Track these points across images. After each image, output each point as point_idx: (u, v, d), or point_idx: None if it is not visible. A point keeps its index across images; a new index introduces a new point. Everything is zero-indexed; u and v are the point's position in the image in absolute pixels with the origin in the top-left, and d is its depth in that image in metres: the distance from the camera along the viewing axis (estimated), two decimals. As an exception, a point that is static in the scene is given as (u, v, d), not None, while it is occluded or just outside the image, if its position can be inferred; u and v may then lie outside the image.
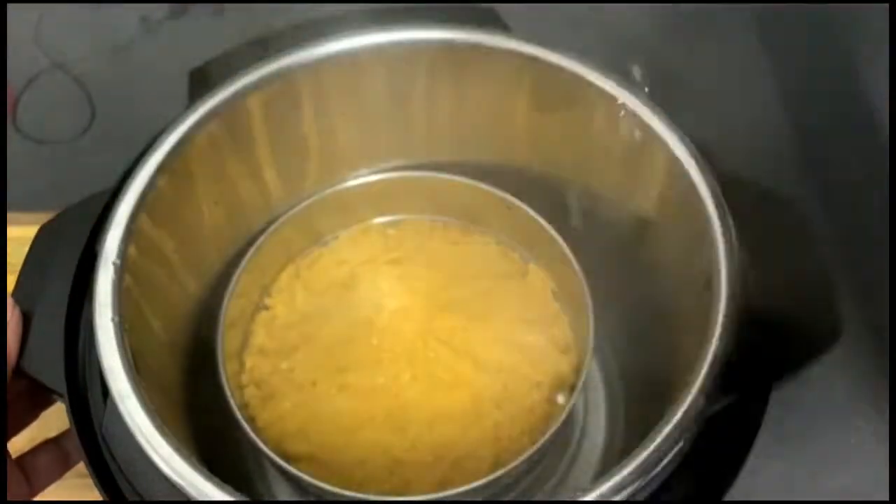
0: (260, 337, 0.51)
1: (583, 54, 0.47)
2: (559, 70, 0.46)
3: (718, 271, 0.39)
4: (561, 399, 0.47)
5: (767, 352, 0.38)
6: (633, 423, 0.54)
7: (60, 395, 0.39)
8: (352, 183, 0.52)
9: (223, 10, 0.88)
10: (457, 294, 0.52)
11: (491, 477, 0.39)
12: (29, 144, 0.79)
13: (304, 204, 0.51)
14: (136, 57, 0.86)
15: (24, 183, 0.76)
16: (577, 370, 0.48)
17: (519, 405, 0.47)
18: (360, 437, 0.46)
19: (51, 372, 0.39)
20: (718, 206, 0.41)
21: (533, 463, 0.45)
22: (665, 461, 0.34)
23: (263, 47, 0.48)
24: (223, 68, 0.47)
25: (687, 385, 0.36)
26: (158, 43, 0.87)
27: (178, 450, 0.35)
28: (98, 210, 0.43)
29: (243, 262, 0.48)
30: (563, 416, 0.42)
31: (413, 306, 0.51)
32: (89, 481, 0.37)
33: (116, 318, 0.38)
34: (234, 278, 0.48)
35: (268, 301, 0.52)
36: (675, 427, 0.34)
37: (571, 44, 0.47)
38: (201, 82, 0.47)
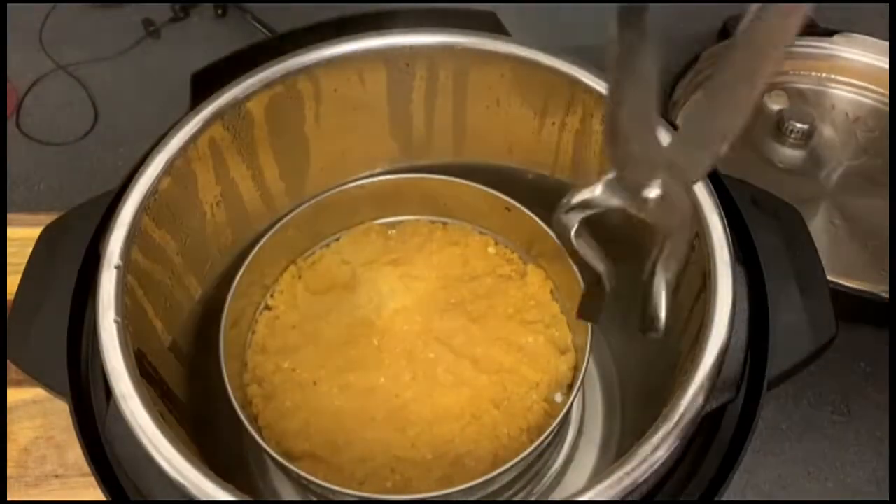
0: (262, 336, 0.51)
1: (581, 58, 0.47)
2: (557, 73, 0.47)
3: (715, 272, 0.39)
4: (559, 398, 0.48)
5: (763, 352, 0.39)
6: (629, 422, 0.54)
7: (64, 396, 0.39)
8: (353, 184, 0.53)
9: (225, 12, 0.89)
10: (457, 295, 0.52)
11: (490, 475, 0.39)
12: (32, 146, 0.79)
13: (305, 205, 0.51)
14: (139, 59, 0.86)
15: (28, 184, 0.76)
16: (576, 370, 0.48)
17: (518, 404, 0.47)
18: (361, 435, 0.46)
19: (54, 372, 0.39)
20: (716, 207, 0.41)
21: (532, 461, 0.45)
22: (661, 460, 0.34)
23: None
24: (225, 71, 0.48)
25: (683, 385, 0.36)
26: (161, 45, 0.87)
27: (180, 449, 0.35)
28: (101, 212, 0.43)
29: (246, 263, 0.48)
30: (561, 414, 0.42)
31: (413, 307, 0.51)
32: (92, 480, 0.37)
33: (119, 320, 0.38)
34: (237, 279, 0.48)
35: (270, 301, 0.53)
36: (672, 427, 0.35)
37: (570, 47, 0.47)
38: (204, 85, 0.47)
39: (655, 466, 0.34)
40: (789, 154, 0.72)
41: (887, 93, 0.75)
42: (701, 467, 0.37)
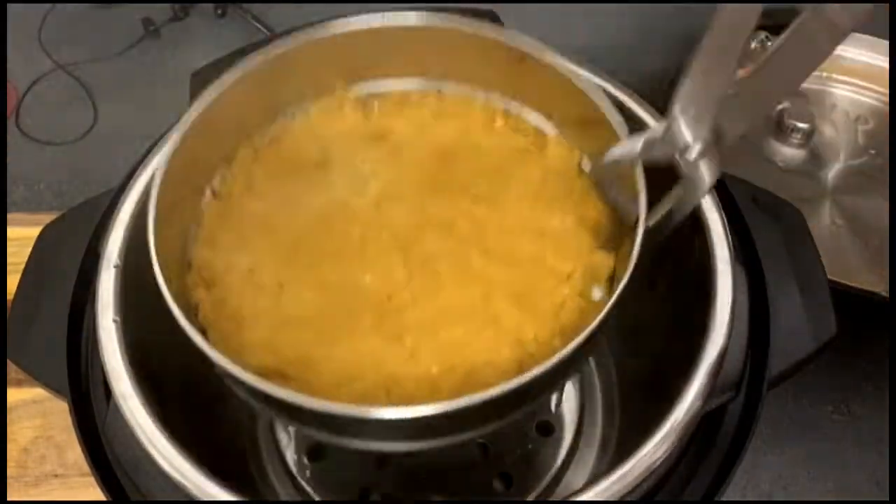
0: (210, 229, 0.41)
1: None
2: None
3: (716, 271, 0.39)
4: (598, 295, 0.38)
5: (763, 351, 0.39)
6: (629, 423, 0.54)
7: (63, 395, 0.39)
8: (317, 33, 0.41)
9: (225, 12, 0.89)
10: (458, 174, 0.42)
11: (512, 384, 0.31)
12: (32, 145, 0.79)
13: (258, 56, 0.40)
14: (138, 59, 0.86)
15: (27, 184, 0.76)
16: (620, 255, 0.38)
17: (545, 302, 0.37)
18: (344, 348, 0.36)
19: (53, 372, 0.39)
20: (716, 206, 0.41)
21: (563, 370, 0.35)
22: (661, 460, 0.34)
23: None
24: (225, 70, 0.47)
25: (683, 385, 0.36)
26: (161, 45, 0.87)
27: (179, 449, 0.35)
28: (100, 211, 0.43)
29: (181, 125, 0.38)
30: (607, 309, 0.33)
31: (404, 190, 0.41)
32: (92, 480, 0.37)
33: (118, 319, 0.38)
34: (171, 146, 0.37)
35: (219, 186, 0.42)
36: (671, 427, 0.35)
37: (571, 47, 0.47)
38: (203, 84, 0.47)
39: (655, 466, 0.34)
40: (790, 153, 0.72)
41: (888, 92, 0.75)
42: (701, 467, 0.37)
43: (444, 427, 0.34)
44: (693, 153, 0.28)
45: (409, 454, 0.36)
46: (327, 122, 0.44)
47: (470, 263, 0.39)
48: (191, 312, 0.38)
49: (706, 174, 0.29)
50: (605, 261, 0.39)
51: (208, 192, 0.42)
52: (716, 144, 0.28)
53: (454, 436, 0.35)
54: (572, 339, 0.32)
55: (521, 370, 0.33)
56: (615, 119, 0.37)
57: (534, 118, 0.44)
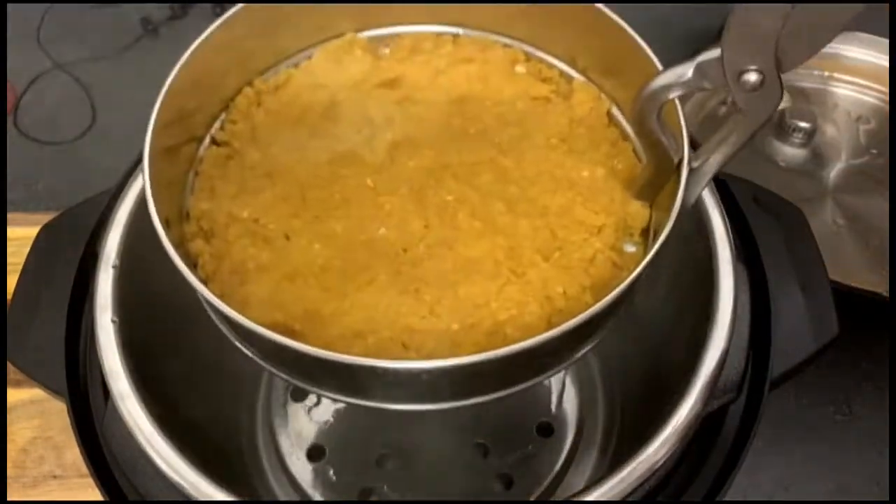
0: (209, 178, 0.39)
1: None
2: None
3: (717, 270, 0.39)
4: (631, 248, 0.37)
5: (765, 352, 0.38)
6: (630, 423, 0.54)
7: (61, 395, 0.39)
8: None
9: (224, 11, 0.89)
10: (477, 123, 0.39)
11: (543, 337, 0.29)
12: (30, 145, 0.79)
13: None
14: (137, 58, 0.86)
15: (25, 183, 0.76)
16: (659, 205, 0.36)
17: (574, 256, 0.36)
18: (357, 302, 0.34)
19: (52, 372, 0.39)
20: (718, 206, 0.41)
21: (595, 326, 0.34)
22: (661, 461, 0.34)
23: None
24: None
25: (684, 386, 0.36)
26: (159, 44, 0.87)
27: (177, 449, 0.35)
28: (99, 211, 0.43)
29: (180, 63, 0.36)
30: (650, 256, 0.31)
31: (420, 137, 0.39)
32: (90, 481, 0.37)
33: (116, 319, 0.38)
34: (167, 85, 0.36)
35: (219, 134, 0.40)
36: (673, 428, 0.35)
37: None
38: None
39: (656, 467, 0.34)
40: (792, 153, 0.72)
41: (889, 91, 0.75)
42: (703, 467, 0.37)
43: (466, 385, 0.33)
44: (751, 79, 0.26)
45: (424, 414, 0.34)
46: (335, 67, 0.41)
47: (493, 215, 0.37)
48: (189, 265, 0.35)
49: (767, 102, 0.26)
50: (639, 212, 0.37)
51: (207, 140, 0.40)
52: (776, 70, 0.26)
53: (476, 396, 0.33)
54: (604, 294, 0.31)
55: (549, 327, 0.31)
56: (652, 56, 0.34)
57: (558, 62, 0.42)
